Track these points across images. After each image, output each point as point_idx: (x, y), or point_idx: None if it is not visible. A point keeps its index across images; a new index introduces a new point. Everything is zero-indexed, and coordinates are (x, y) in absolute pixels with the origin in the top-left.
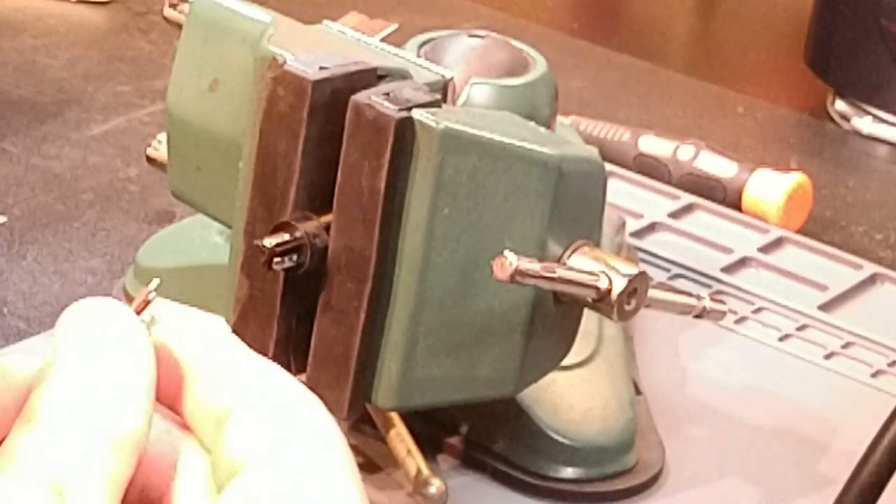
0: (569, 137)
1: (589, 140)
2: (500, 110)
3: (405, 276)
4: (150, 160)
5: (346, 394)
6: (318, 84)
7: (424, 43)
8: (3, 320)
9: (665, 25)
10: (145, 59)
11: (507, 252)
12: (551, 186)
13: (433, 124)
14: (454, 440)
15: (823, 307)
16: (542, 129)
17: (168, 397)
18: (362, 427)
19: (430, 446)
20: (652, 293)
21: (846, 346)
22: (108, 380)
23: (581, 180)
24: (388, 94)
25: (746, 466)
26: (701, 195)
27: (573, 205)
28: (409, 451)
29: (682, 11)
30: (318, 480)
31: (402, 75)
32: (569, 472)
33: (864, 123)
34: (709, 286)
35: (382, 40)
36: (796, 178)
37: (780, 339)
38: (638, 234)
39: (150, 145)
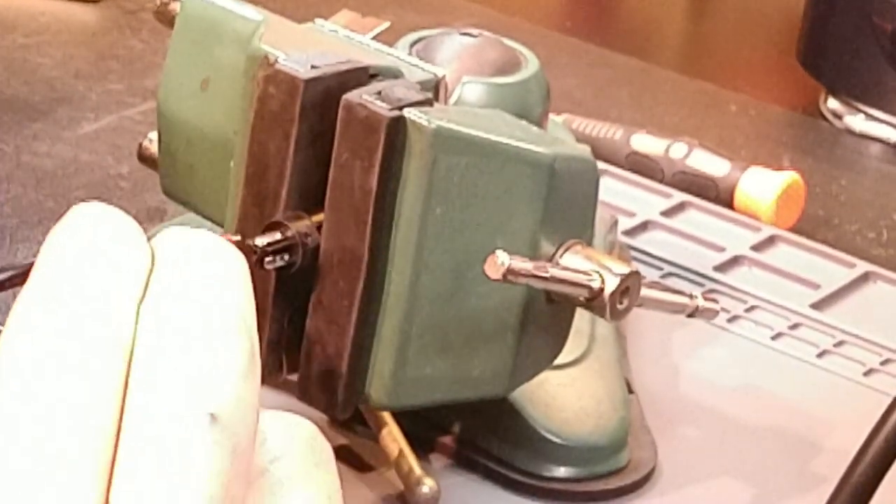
0: (561, 136)
1: (581, 138)
2: (492, 109)
3: (397, 276)
4: (141, 158)
5: (337, 393)
6: (309, 83)
7: (416, 41)
8: None
9: (658, 23)
10: (137, 57)
11: (499, 251)
12: (544, 185)
13: (425, 123)
14: (446, 439)
15: (816, 306)
16: (535, 128)
17: None
18: (354, 426)
19: (422, 446)
20: (644, 292)
21: (839, 344)
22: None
23: (573, 179)
24: (379, 92)
25: (739, 465)
26: (693, 193)
27: (565, 203)
28: (401, 451)
29: (675, 9)
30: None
31: (394, 74)
32: (561, 471)
33: (856, 122)
34: (701, 285)
35: (374, 38)
36: (789, 177)
37: (773, 338)
38: (630, 232)
39: (141, 143)
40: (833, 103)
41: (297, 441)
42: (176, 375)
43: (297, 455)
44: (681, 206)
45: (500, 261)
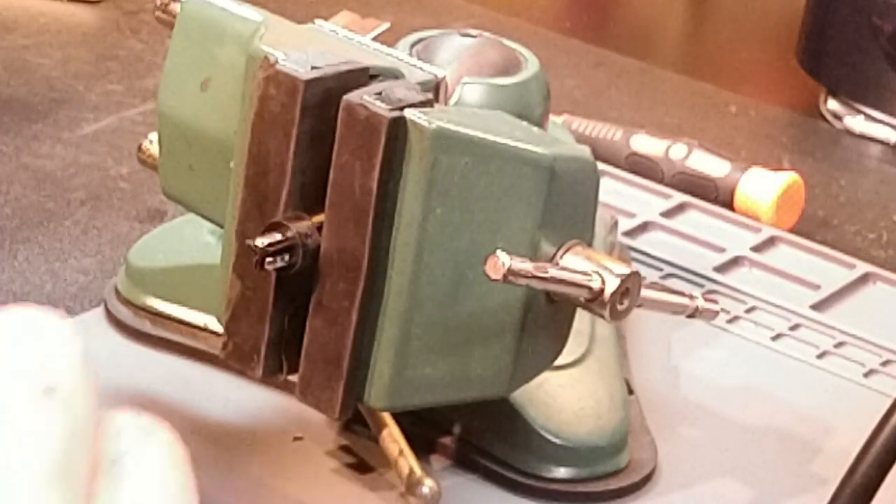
0: (561, 136)
1: (581, 139)
2: (492, 110)
3: (397, 276)
4: (141, 159)
5: (337, 394)
6: (309, 83)
7: (416, 42)
8: None
9: (657, 24)
10: (136, 58)
11: (499, 252)
12: (544, 186)
13: (425, 124)
14: (447, 440)
15: (816, 306)
16: (535, 129)
17: None
18: (354, 427)
19: (422, 446)
20: (644, 293)
21: (839, 345)
22: None
23: (573, 179)
24: (380, 93)
25: (739, 466)
26: (693, 194)
27: (566, 204)
28: (401, 452)
29: (675, 10)
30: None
31: (395, 75)
32: (561, 471)
33: (856, 122)
34: (701, 285)
35: (374, 39)
36: (788, 177)
37: (773, 339)
38: (630, 233)
39: (141, 144)
40: (833, 104)
41: (153, 440)
42: (10, 358)
43: (149, 452)
44: (681, 207)
45: (501, 261)
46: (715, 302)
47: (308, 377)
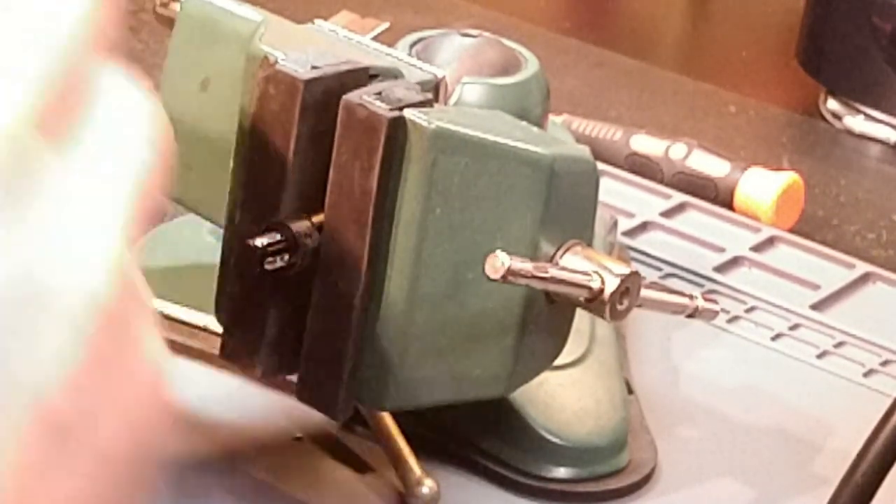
0: (561, 136)
1: (581, 139)
2: (491, 109)
3: (397, 277)
4: None
5: (337, 394)
6: (309, 83)
7: (416, 42)
8: None
9: (657, 24)
10: (136, 57)
11: (499, 252)
12: (543, 186)
13: (425, 124)
14: (446, 440)
15: (816, 306)
16: (534, 129)
17: None
18: (354, 427)
19: (422, 446)
20: (644, 293)
21: (839, 345)
22: None
23: (573, 179)
24: (379, 93)
25: (739, 466)
26: (693, 194)
27: (565, 204)
28: (401, 451)
29: (675, 10)
30: None
31: (394, 74)
32: (561, 471)
33: (856, 122)
34: (701, 285)
35: (374, 39)
36: (788, 177)
37: (773, 339)
38: (630, 233)
39: None
40: (832, 104)
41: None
42: None
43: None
44: (680, 207)
45: (500, 261)
46: (715, 302)
47: (308, 377)
